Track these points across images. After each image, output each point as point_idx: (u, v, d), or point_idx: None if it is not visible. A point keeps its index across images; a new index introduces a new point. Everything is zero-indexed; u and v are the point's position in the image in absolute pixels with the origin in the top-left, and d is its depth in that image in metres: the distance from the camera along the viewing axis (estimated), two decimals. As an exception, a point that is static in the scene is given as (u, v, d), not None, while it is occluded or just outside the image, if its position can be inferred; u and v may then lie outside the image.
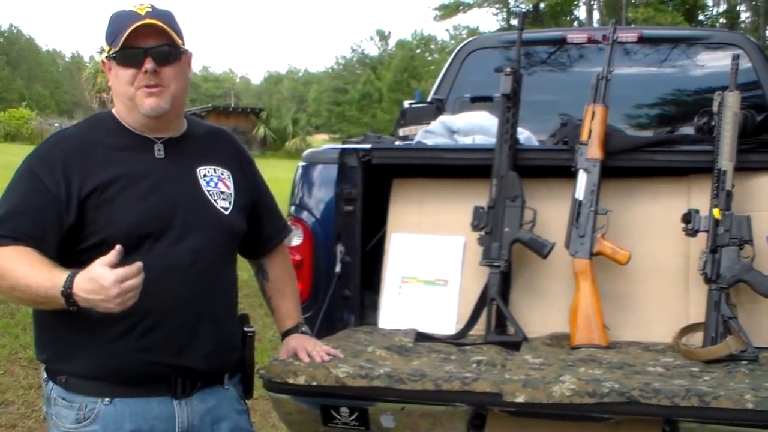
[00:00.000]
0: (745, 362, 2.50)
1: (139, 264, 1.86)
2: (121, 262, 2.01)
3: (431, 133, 3.45)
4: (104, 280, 1.83)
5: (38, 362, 2.27)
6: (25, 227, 2.03)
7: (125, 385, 2.09)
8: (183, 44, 2.17)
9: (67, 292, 1.88)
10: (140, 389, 2.11)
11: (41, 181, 2.06)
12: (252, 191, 2.38)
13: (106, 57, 2.15)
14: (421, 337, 2.86)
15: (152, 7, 2.14)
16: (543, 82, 4.68)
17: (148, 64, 2.09)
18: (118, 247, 1.87)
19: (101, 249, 2.01)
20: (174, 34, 2.13)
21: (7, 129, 42.08)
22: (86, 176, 2.07)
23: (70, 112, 64.22)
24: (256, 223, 2.39)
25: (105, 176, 2.08)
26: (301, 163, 3.22)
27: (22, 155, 2.16)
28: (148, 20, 2.08)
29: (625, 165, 2.94)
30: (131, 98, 2.13)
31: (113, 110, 2.23)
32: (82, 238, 2.06)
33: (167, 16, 2.15)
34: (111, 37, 2.12)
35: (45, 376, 2.19)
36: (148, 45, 2.09)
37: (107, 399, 2.09)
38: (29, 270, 1.95)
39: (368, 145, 3.21)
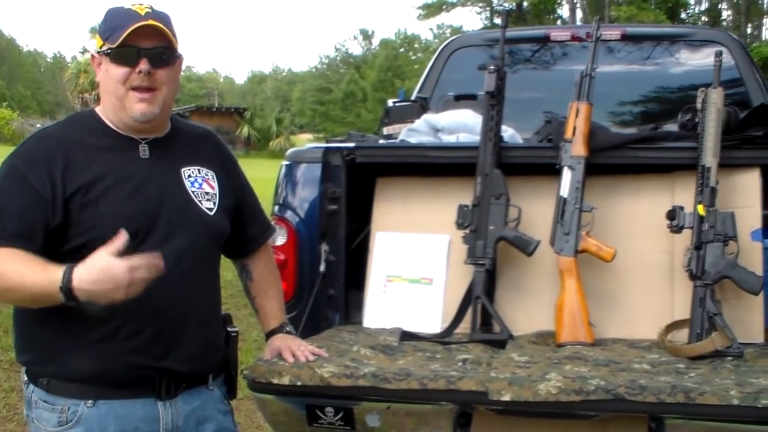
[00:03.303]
0: (730, 358, 2.50)
1: (155, 257, 1.87)
2: None
3: (415, 132, 3.44)
4: (117, 268, 1.81)
5: (19, 365, 2.24)
6: (13, 227, 2.00)
7: (109, 387, 2.07)
8: (178, 48, 2.15)
9: (67, 288, 1.84)
10: (124, 391, 2.09)
11: (26, 180, 2.03)
12: (236, 191, 2.36)
13: (98, 51, 2.12)
14: (407, 335, 2.85)
15: (151, 8, 2.11)
16: (527, 80, 4.68)
17: (143, 65, 2.06)
18: (123, 233, 1.86)
19: (86, 250, 1.99)
20: (171, 37, 2.11)
21: (-13, 130, 41.80)
22: (70, 176, 2.05)
23: (52, 113, 63.96)
24: (240, 223, 2.38)
25: (89, 176, 2.06)
26: (285, 163, 3.21)
27: (3, 156, 2.13)
28: (150, 21, 2.06)
29: (609, 162, 2.94)
30: (121, 98, 2.10)
31: (96, 109, 2.20)
32: (67, 239, 2.03)
33: (166, 19, 2.13)
34: (107, 32, 2.09)
35: (26, 378, 2.17)
36: (145, 45, 2.07)
37: (90, 401, 2.07)
38: (23, 269, 1.92)
39: (352, 144, 3.20)
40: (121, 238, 1.85)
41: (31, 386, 2.13)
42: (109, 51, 2.08)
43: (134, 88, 2.09)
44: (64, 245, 2.03)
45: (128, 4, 2.13)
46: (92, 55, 2.18)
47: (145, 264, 1.84)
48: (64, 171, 2.05)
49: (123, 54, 2.07)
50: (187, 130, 2.34)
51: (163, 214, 2.12)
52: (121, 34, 2.05)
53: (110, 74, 2.10)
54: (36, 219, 2.01)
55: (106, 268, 1.82)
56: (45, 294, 1.89)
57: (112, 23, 2.10)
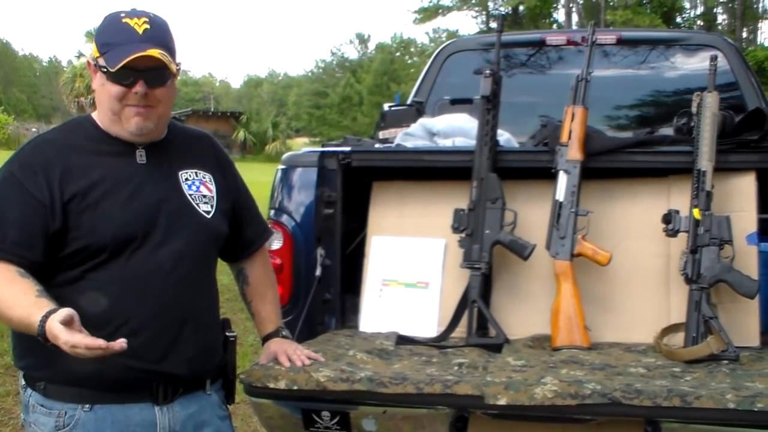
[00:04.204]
0: (726, 362, 2.51)
1: (99, 344, 1.80)
2: (105, 266, 2.04)
3: (411, 136, 3.44)
4: (57, 339, 1.80)
5: (15, 369, 2.24)
6: (12, 235, 2.00)
7: (106, 392, 2.07)
8: (176, 58, 2.13)
9: (43, 337, 1.84)
10: (121, 396, 2.09)
11: (24, 187, 2.03)
12: (233, 194, 2.36)
13: (94, 63, 2.10)
14: (402, 340, 2.85)
15: (150, 22, 2.08)
16: (522, 84, 4.69)
17: (140, 88, 2.05)
18: (68, 315, 1.80)
19: (85, 254, 2.02)
20: (169, 59, 2.08)
21: (-16, 134, 41.71)
22: (68, 181, 2.05)
23: (47, 117, 63.84)
24: (237, 226, 2.38)
25: (87, 181, 2.06)
26: (281, 167, 3.21)
27: (0, 160, 2.12)
28: (149, 52, 2.02)
29: (605, 166, 2.95)
30: (117, 113, 2.09)
31: (93, 115, 2.20)
32: (66, 243, 2.03)
33: (164, 34, 2.11)
34: (104, 47, 2.06)
35: (23, 383, 2.16)
36: (142, 67, 2.04)
37: (87, 406, 2.07)
38: (12, 301, 1.92)
39: (348, 148, 3.20)
40: (66, 315, 1.81)
41: (29, 390, 2.13)
42: (105, 68, 2.05)
43: (130, 105, 2.08)
44: (63, 249, 2.04)
45: (127, 10, 2.10)
46: (88, 62, 2.17)
47: (86, 345, 1.79)
48: (63, 176, 2.05)
49: (120, 74, 2.04)
50: (183, 134, 2.34)
51: (161, 217, 2.12)
52: (119, 60, 2.02)
53: (106, 90, 2.08)
54: (35, 226, 2.01)
55: (53, 336, 1.81)
56: (28, 332, 1.89)
57: (109, 38, 2.07)
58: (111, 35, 2.08)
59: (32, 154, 2.11)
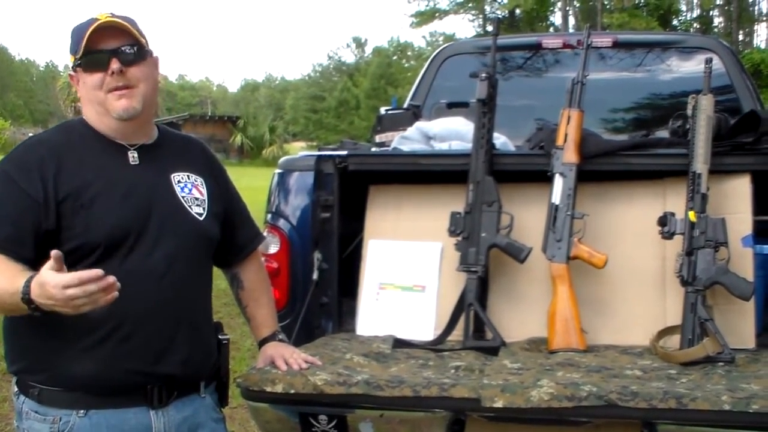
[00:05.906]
0: (721, 364, 2.52)
1: (94, 273, 1.75)
2: (99, 268, 2.00)
3: (408, 139, 3.44)
4: (47, 285, 1.76)
5: (11, 375, 2.24)
6: (4, 231, 2.00)
7: (101, 396, 2.07)
8: (146, 45, 2.17)
9: (27, 298, 1.82)
10: (116, 400, 2.08)
11: (17, 185, 2.04)
12: (225, 199, 2.37)
13: (72, 68, 2.14)
14: (399, 343, 2.85)
15: (113, 15, 2.14)
16: (519, 87, 4.69)
17: (114, 65, 2.08)
18: (55, 252, 1.77)
19: (78, 254, 2.02)
20: (137, 34, 2.13)
21: (-20, 139, 41.64)
22: (61, 181, 2.05)
23: (44, 122, 63.80)
24: (230, 231, 2.38)
25: (80, 181, 2.07)
26: (277, 171, 3.22)
27: (-4, 163, 2.13)
28: (108, 19, 2.09)
29: (601, 169, 2.95)
30: (101, 103, 2.11)
31: (85, 117, 2.21)
32: (59, 243, 2.02)
33: (128, 20, 2.15)
34: (74, 46, 2.12)
35: (16, 389, 2.16)
36: (111, 47, 2.09)
37: (82, 411, 2.06)
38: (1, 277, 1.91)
39: (344, 152, 3.21)
40: (55, 257, 1.77)
41: (22, 397, 2.12)
42: (80, 62, 2.10)
43: (111, 90, 2.10)
44: (55, 249, 2.03)
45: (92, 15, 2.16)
46: (70, 75, 2.20)
47: (74, 281, 1.74)
48: (57, 175, 2.05)
49: (93, 60, 2.09)
50: (175, 138, 2.36)
51: (154, 218, 2.13)
52: (83, 40, 2.07)
53: (86, 83, 2.12)
54: (27, 223, 2.01)
55: (41, 283, 1.78)
56: (13, 302, 1.86)
57: (76, 36, 2.12)
58: (78, 34, 2.12)
59: (26, 152, 2.12)
